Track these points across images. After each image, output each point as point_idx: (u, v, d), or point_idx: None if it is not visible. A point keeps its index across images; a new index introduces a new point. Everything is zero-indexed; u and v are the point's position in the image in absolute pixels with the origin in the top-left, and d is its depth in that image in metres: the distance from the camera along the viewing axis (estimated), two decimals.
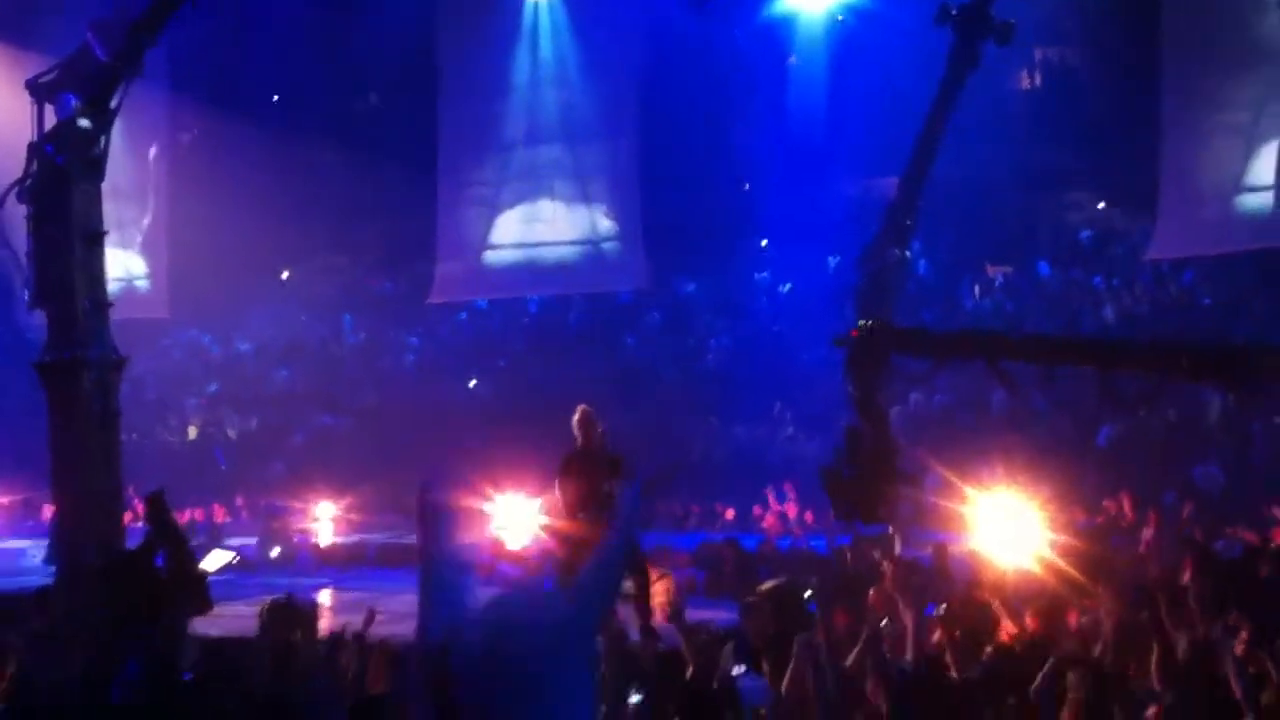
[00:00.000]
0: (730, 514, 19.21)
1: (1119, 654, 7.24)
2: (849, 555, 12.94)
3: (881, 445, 11.47)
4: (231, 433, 25.01)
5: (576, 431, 11.13)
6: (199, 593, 9.78)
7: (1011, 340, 13.11)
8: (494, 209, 26.02)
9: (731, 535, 16.02)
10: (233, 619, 10.79)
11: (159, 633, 8.66)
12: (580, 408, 11.22)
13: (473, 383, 24.32)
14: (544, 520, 11.40)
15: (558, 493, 11.03)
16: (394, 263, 27.32)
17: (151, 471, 14.22)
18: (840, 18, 23.65)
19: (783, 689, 7.10)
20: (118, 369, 11.57)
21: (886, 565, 11.41)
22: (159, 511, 10.14)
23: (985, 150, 21.06)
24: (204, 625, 10.25)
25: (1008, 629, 8.19)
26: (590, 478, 10.82)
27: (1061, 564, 9.77)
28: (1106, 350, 12.28)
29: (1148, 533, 12.85)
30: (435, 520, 4.24)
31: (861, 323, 11.74)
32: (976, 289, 23.40)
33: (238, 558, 11.45)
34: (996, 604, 8.63)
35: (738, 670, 7.85)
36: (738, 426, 21.37)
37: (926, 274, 23.14)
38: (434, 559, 3.75)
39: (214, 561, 10.52)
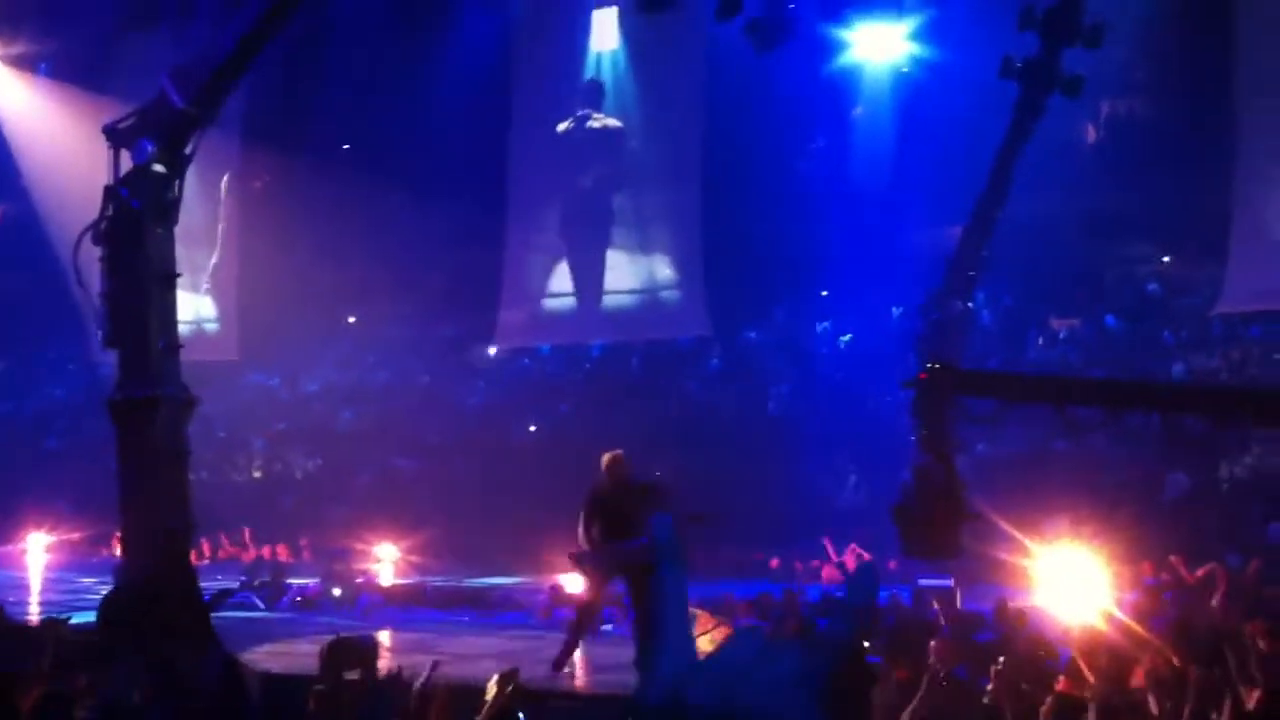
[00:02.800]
0: (775, 563, 19.17)
1: (1194, 709, 7.13)
2: (910, 607, 12.82)
3: (949, 484, 11.73)
4: (297, 473, 25.28)
5: (604, 472, 11.21)
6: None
7: (1077, 384, 13.12)
8: (555, 256, 26.26)
9: (790, 585, 15.94)
10: (295, 656, 10.90)
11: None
12: (609, 454, 11.30)
13: (533, 427, 24.43)
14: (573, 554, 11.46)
15: (581, 528, 11.10)
16: (458, 307, 27.57)
17: (220, 511, 14.39)
18: (905, 70, 23.69)
19: None
20: (188, 408, 11.75)
21: (947, 619, 11.34)
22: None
23: (1051, 200, 20.92)
24: (266, 661, 10.38)
25: (1065, 684, 8.07)
26: (616, 512, 10.88)
27: (1127, 620, 9.63)
28: (1170, 395, 12.24)
29: (1217, 593, 12.61)
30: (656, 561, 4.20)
31: (929, 364, 12.01)
32: (1041, 340, 23.19)
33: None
34: (1075, 658, 8.51)
35: None
36: (799, 475, 21.27)
37: (990, 324, 22.99)
38: (661, 605, 3.70)
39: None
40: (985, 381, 12.60)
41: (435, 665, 9.15)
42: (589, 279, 26.12)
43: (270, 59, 12.55)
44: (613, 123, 25.90)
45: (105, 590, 13.13)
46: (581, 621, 10.99)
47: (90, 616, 11.42)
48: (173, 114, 11.66)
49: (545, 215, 26.39)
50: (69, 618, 11.62)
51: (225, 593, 15.49)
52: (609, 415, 23.80)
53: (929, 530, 11.74)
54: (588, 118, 25.97)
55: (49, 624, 11.20)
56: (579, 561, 11.23)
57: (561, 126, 26.02)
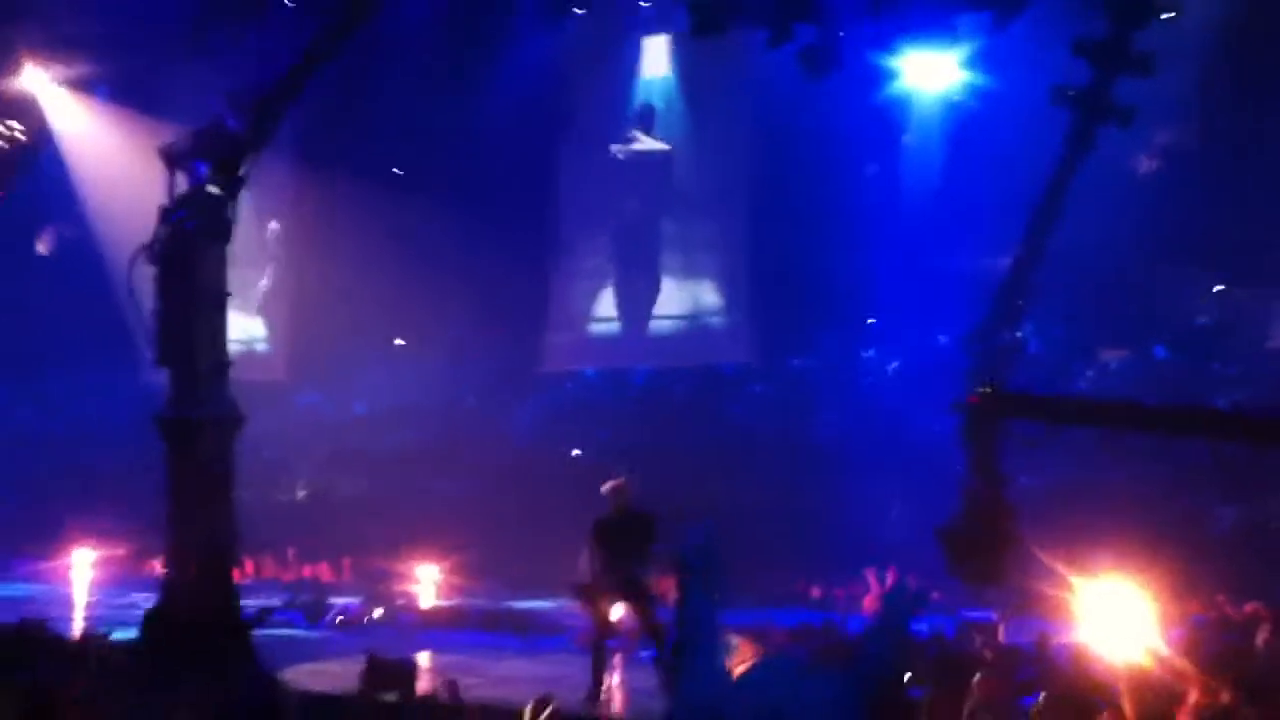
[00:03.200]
0: (816, 592, 19.08)
1: None
2: (952, 640, 12.71)
3: (998, 507, 11.67)
4: (341, 494, 25.44)
5: (607, 500, 11.22)
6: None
7: (1131, 408, 13.02)
8: (601, 281, 26.32)
9: (832, 616, 15.85)
10: (334, 676, 10.95)
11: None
12: (612, 482, 11.31)
13: (576, 451, 24.45)
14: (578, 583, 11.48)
15: (587, 556, 11.10)
16: (503, 330, 27.66)
17: (265, 529, 14.51)
18: (956, 98, 23.60)
19: None
20: (236, 428, 11.89)
21: (990, 653, 11.24)
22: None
23: (1102, 230, 20.72)
24: (306, 680, 10.44)
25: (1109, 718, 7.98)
26: (618, 541, 10.88)
27: (1173, 657, 9.50)
28: (1221, 422, 12.13)
29: (1263, 632, 12.42)
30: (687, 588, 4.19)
31: (980, 387, 12.02)
32: (1090, 371, 22.97)
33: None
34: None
35: None
36: (842, 503, 21.15)
37: (1038, 354, 22.77)
38: (693, 626, 3.68)
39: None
40: (1037, 405, 12.55)
41: (452, 685, 9.20)
42: (635, 304, 26.16)
43: (323, 83, 12.70)
44: (661, 146, 25.98)
45: (148, 607, 13.28)
46: (596, 653, 10.95)
47: (133, 632, 11.54)
48: (228, 137, 11.85)
49: (592, 240, 26.48)
50: (110, 634, 11.75)
51: (267, 610, 15.59)
52: (653, 440, 23.77)
53: (976, 555, 11.69)
54: (636, 140, 26.08)
55: (91, 640, 11.33)
56: (579, 592, 11.23)
57: (612, 149, 26.13)
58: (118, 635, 11.29)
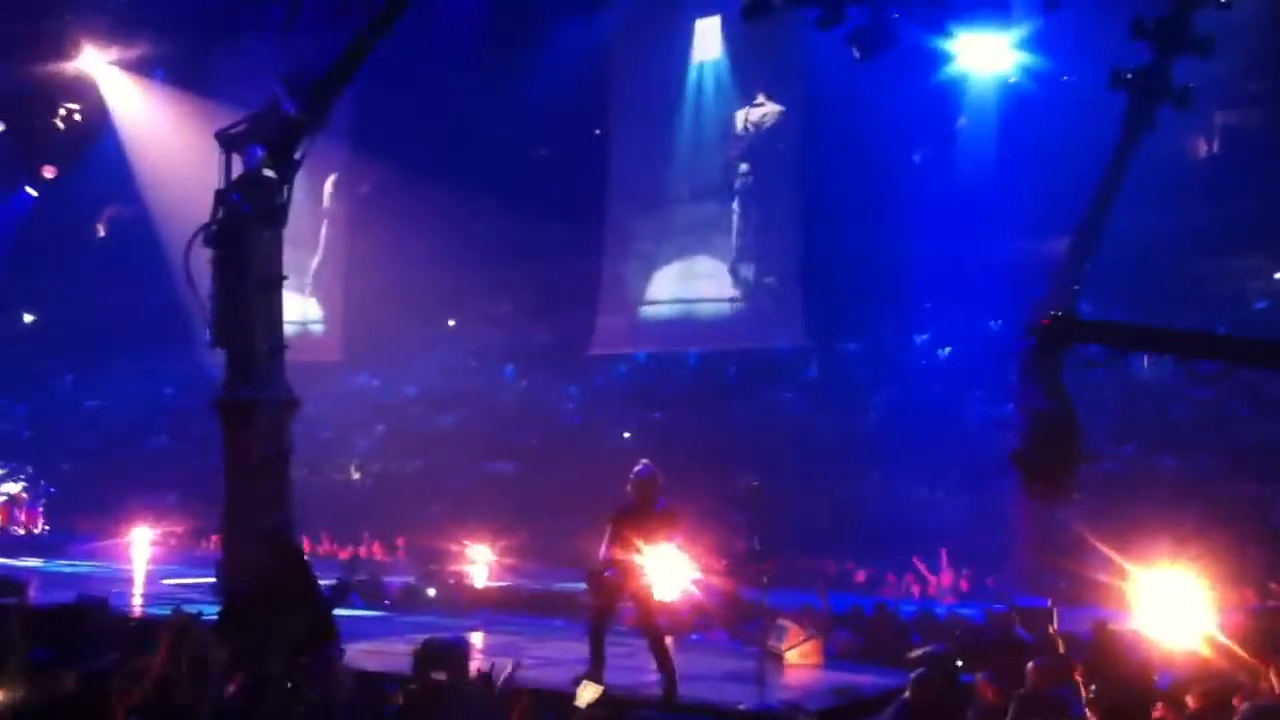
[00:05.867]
0: (860, 577, 19.03)
1: None
2: (1006, 624, 12.64)
3: (1067, 427, 12.25)
4: (395, 474, 25.66)
5: (631, 490, 11.08)
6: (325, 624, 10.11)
7: (1195, 336, 13.19)
8: (652, 264, 26.33)
9: (884, 600, 15.81)
10: (388, 655, 11.06)
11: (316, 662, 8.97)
12: (636, 470, 11.20)
13: (627, 434, 24.50)
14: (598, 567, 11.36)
15: (605, 543, 11.01)
16: (554, 313, 27.76)
17: (320, 509, 14.66)
18: (1012, 79, 23.34)
19: None
20: (291, 409, 12.00)
21: (1043, 639, 11.17)
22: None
23: (1159, 214, 20.48)
24: (360, 659, 10.56)
25: (1163, 710, 7.90)
26: (636, 532, 10.77)
27: (1231, 645, 9.40)
28: None
29: None
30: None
31: (1053, 311, 12.56)
32: (1145, 358, 22.66)
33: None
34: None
35: None
36: (892, 487, 21.09)
37: None
38: None
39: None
40: (1104, 329, 12.95)
41: (516, 666, 9.23)
42: (687, 287, 26.14)
43: (374, 69, 12.77)
44: (712, 129, 25.93)
45: (209, 582, 13.46)
46: (594, 638, 10.86)
47: (196, 609, 11.70)
48: (283, 120, 11.94)
49: (644, 223, 26.47)
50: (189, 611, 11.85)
51: (343, 587, 15.75)
52: (704, 423, 23.81)
53: (1047, 474, 12.23)
54: (686, 124, 26.05)
55: (176, 619, 11.43)
56: (591, 579, 11.14)
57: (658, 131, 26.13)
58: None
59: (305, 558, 11.37)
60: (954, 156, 24.34)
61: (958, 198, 23.20)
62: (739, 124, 25.54)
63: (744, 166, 25.51)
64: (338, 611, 11.32)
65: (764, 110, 25.30)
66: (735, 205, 25.72)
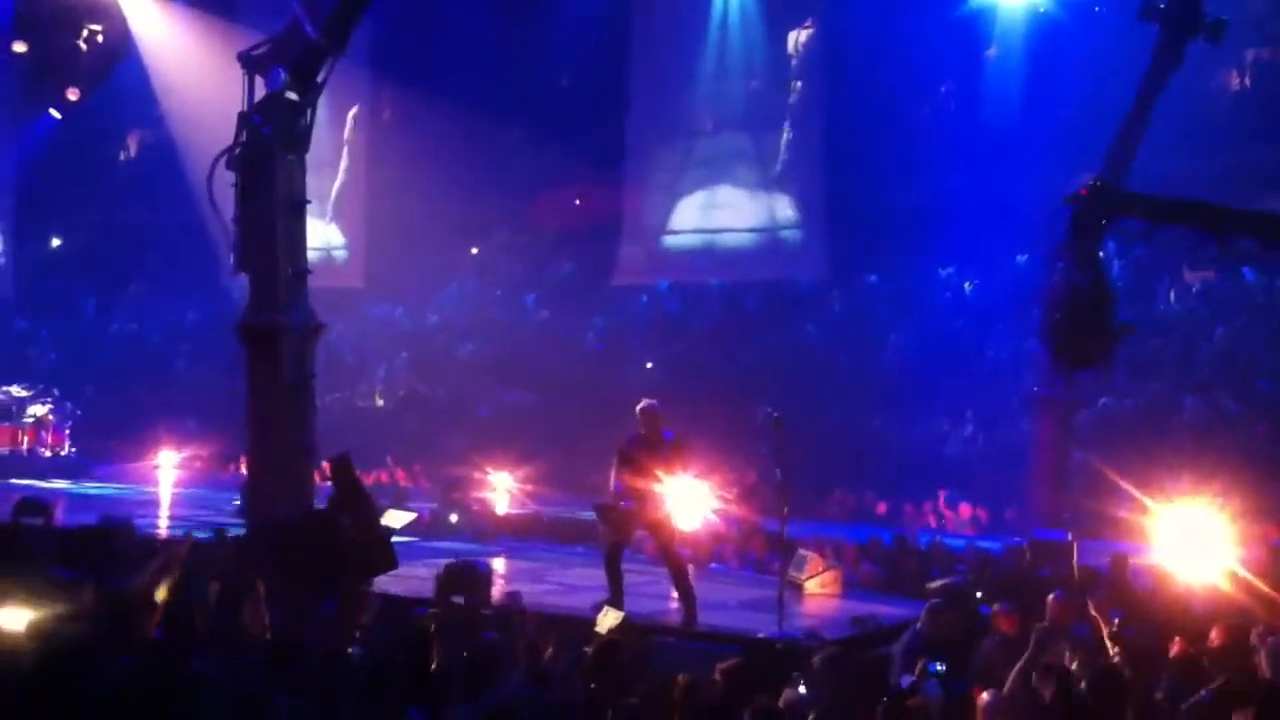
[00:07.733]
0: (882, 508, 19.10)
1: None
2: (1025, 557, 12.67)
3: (1102, 296, 12.80)
4: (417, 401, 25.75)
5: (640, 423, 11.03)
6: (385, 552, 10.14)
7: (1233, 212, 13.40)
8: (675, 194, 26.18)
9: (902, 531, 15.86)
10: (410, 580, 11.17)
11: (340, 589, 9.05)
12: (642, 404, 11.15)
13: (649, 364, 24.49)
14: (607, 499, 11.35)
15: (613, 474, 11.01)
16: (576, 243, 27.67)
17: (343, 434, 14.72)
18: (1042, 9, 22.97)
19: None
20: (315, 335, 12.03)
21: (1062, 574, 11.19)
22: (345, 473, 10.55)
23: (1188, 149, 20.20)
24: (384, 583, 10.66)
25: (1184, 644, 7.93)
26: (645, 464, 10.76)
27: (1252, 579, 9.43)
28: None
29: None
30: None
31: (1091, 181, 12.97)
32: (1172, 294, 22.47)
33: (418, 517, 11.68)
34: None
35: (936, 669, 7.81)
36: (914, 421, 21.05)
37: (1120, 276, 22.33)
38: None
39: (395, 520, 10.79)
40: (1142, 201, 13.14)
41: (514, 595, 9.37)
42: (708, 216, 26.01)
43: None
44: (736, 58, 25.66)
45: (234, 505, 13.58)
46: (612, 568, 10.90)
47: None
48: (305, 42, 11.86)
49: (666, 152, 26.29)
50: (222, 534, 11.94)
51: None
52: (725, 355, 23.77)
53: (1077, 340, 12.70)
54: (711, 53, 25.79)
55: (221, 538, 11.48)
56: (602, 511, 11.16)
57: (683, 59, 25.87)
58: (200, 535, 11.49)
59: (365, 485, 11.37)
60: (982, 89, 24.03)
61: (985, 130, 22.95)
62: (790, 45, 25.20)
63: (797, 84, 25.19)
64: None
65: (811, 33, 25.00)
66: (759, 136, 25.51)
